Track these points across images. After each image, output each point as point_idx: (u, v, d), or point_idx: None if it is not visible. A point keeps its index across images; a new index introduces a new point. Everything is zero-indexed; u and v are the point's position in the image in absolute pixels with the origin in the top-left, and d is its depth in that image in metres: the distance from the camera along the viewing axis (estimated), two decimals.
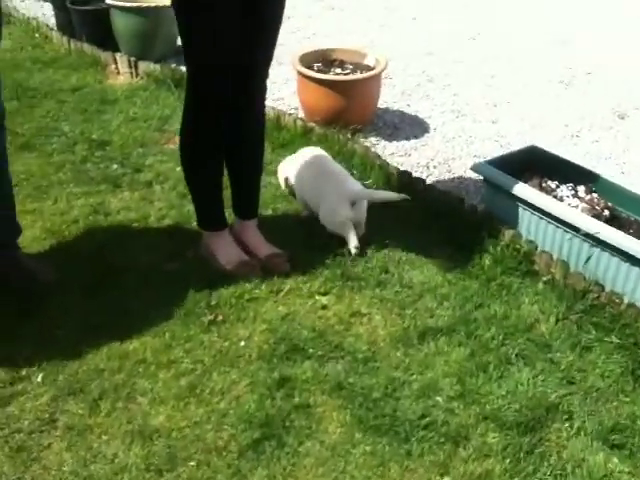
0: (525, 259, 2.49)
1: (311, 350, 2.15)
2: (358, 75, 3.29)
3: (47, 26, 4.62)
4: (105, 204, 2.85)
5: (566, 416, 1.95)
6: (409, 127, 3.56)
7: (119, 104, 3.71)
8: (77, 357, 2.09)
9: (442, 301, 2.36)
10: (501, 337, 2.21)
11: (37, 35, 4.59)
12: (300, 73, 3.25)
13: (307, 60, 3.41)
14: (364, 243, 2.59)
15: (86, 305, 2.29)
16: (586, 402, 2.00)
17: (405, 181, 2.90)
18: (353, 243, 2.54)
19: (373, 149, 3.29)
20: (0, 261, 2.33)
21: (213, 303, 2.31)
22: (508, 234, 2.53)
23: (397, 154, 3.30)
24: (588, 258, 2.35)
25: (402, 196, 2.57)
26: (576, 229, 2.34)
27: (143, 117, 3.58)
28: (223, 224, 2.51)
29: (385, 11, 5.26)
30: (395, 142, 3.40)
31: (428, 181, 3.08)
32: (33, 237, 2.61)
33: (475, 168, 2.65)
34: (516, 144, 3.40)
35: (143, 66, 4.00)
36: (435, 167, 3.22)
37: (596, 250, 2.31)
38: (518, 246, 2.51)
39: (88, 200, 2.86)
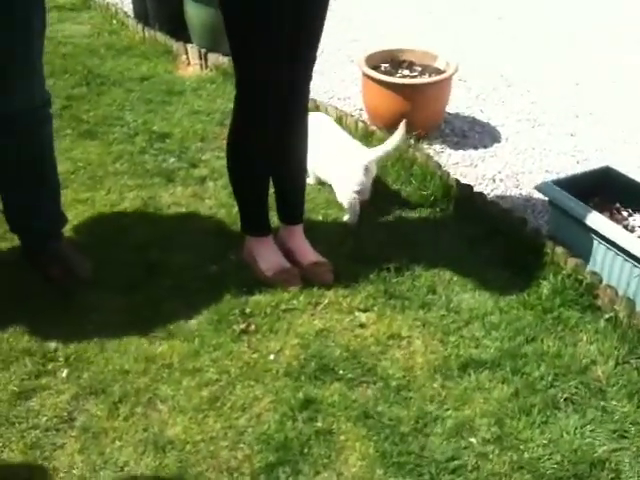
0: (587, 292, 2.29)
1: (342, 371, 2.03)
2: (424, 79, 3.13)
3: (125, 13, 4.65)
4: (156, 198, 2.81)
5: (612, 475, 1.76)
6: (479, 135, 3.37)
7: (185, 96, 3.68)
8: (104, 355, 2.06)
9: (490, 330, 2.20)
10: (551, 377, 2.03)
11: (114, 22, 4.63)
12: (364, 74, 3.12)
13: (375, 60, 3.28)
14: (413, 259, 2.46)
15: (121, 302, 2.25)
16: (638, 461, 1.80)
17: (465, 195, 2.73)
18: (351, 218, 2.65)
19: (437, 157, 3.13)
20: (42, 252, 2.32)
21: (247, 311, 2.23)
22: (571, 263, 2.33)
23: (462, 164, 3.12)
24: None
25: (401, 133, 2.60)
26: None
27: (206, 110, 3.53)
28: (267, 229, 2.42)
29: (469, 10, 5.03)
30: (461, 151, 3.23)
31: (491, 196, 2.90)
32: (80, 227, 2.61)
33: (540, 188, 2.46)
34: (594, 161, 3.16)
35: (212, 58, 3.97)
36: (502, 180, 3.03)
37: None
38: (581, 277, 2.31)
39: (140, 193, 2.83)
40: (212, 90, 3.77)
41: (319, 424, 1.87)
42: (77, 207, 2.73)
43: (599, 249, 2.28)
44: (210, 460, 1.77)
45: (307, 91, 2.30)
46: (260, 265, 2.39)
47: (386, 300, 2.30)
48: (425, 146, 3.20)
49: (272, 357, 2.08)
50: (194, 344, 2.10)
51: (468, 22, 4.80)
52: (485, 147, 3.27)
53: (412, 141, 3.11)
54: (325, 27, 2.22)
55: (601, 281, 2.27)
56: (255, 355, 2.08)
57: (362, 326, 2.21)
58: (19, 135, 2.12)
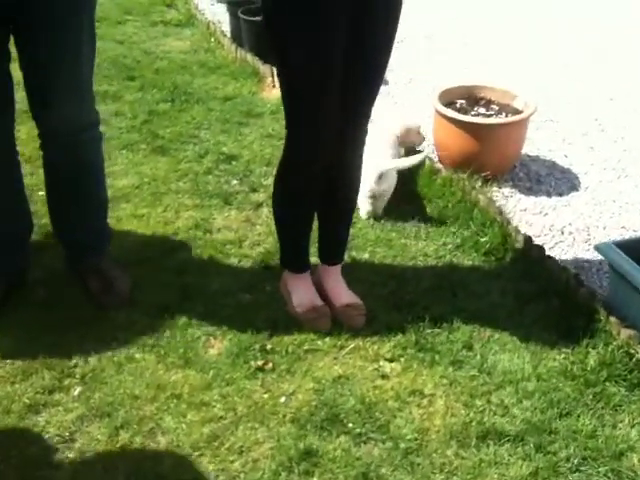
0: (638, 368, 2.07)
1: (351, 424, 1.93)
2: (494, 119, 2.97)
3: (222, 32, 4.76)
4: (209, 220, 2.83)
5: None
6: (555, 181, 3.16)
7: (262, 118, 3.70)
8: (119, 377, 2.07)
9: (522, 398, 2.02)
10: (578, 460, 1.84)
11: (212, 40, 4.75)
12: (436, 110, 3.00)
13: (451, 95, 3.15)
14: (454, 310, 2.32)
15: (148, 323, 2.26)
16: None
17: (523, 246, 2.56)
18: (366, 209, 2.75)
19: (503, 202, 2.96)
20: (82, 266, 2.39)
21: (269, 347, 2.17)
22: (624, 334, 2.12)
23: (531, 211, 2.93)
24: None
25: (423, 154, 2.88)
26: None
27: (279, 135, 3.52)
28: (305, 266, 2.37)
29: (568, 48, 4.78)
30: (533, 197, 3.03)
31: (555, 249, 2.70)
32: (130, 243, 2.66)
33: (599, 248, 2.25)
34: None
35: None
36: (571, 233, 2.81)
37: None
38: (633, 351, 2.09)
39: (195, 213, 2.86)
40: None
41: (315, 479, 1.78)
42: (133, 222, 2.79)
43: None
44: None
45: (362, 139, 2.21)
46: (293, 300, 2.34)
47: (415, 352, 2.18)
48: (494, 189, 3.03)
49: (283, 400, 2.01)
50: (208, 376, 2.07)
51: (568, 58, 4.55)
52: (560, 195, 3.06)
53: (479, 183, 2.97)
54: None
55: None
56: (266, 395, 2.02)
57: (384, 377, 2.11)
58: (63, 152, 2.19)
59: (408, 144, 3.14)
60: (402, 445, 1.88)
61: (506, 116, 3.02)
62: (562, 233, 2.81)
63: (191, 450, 1.85)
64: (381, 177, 2.68)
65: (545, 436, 1.90)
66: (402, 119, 3.07)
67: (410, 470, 1.82)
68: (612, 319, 2.16)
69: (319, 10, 1.89)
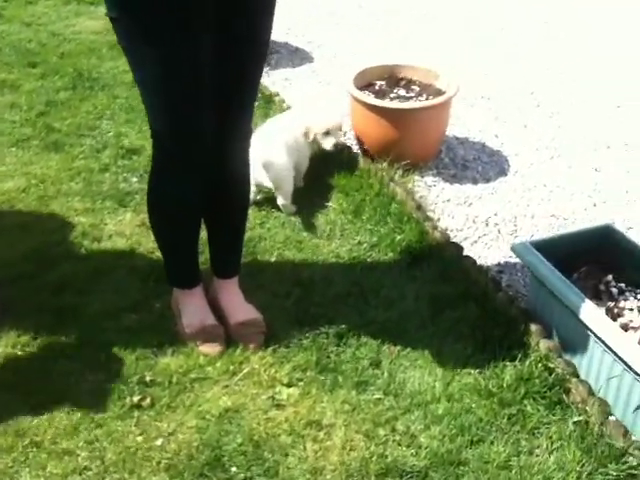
0: (558, 385, 1.86)
1: (235, 468, 1.69)
2: (411, 103, 2.71)
3: None
4: (99, 226, 2.54)
5: None
6: (482, 166, 2.93)
7: None
8: None
9: (430, 424, 1.81)
10: None
11: None
12: (351, 94, 2.74)
13: (370, 76, 2.89)
14: (363, 322, 2.10)
15: (14, 356, 1.98)
16: None
17: (440, 244, 2.33)
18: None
19: (426, 192, 2.73)
20: None
21: (148, 379, 1.91)
22: (544, 345, 1.91)
23: (454, 201, 2.70)
24: (638, 407, 1.69)
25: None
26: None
27: None
28: (193, 281, 2.10)
29: (505, 20, 4.53)
30: (458, 185, 2.80)
31: (479, 243, 2.48)
32: (9, 258, 2.36)
33: (515, 249, 2.03)
34: (614, 204, 2.70)
35: None
36: (496, 225, 2.59)
37: None
38: (553, 365, 1.88)
39: (85, 219, 2.57)
40: None
41: None
42: (15, 232, 2.50)
43: (577, 333, 1.84)
44: None
45: (244, 141, 1.95)
46: (183, 320, 2.08)
47: (316, 373, 1.95)
48: (416, 178, 2.80)
49: (159, 442, 1.76)
50: (75, 417, 1.81)
51: (504, 33, 4.32)
52: (487, 181, 2.84)
53: (400, 172, 2.73)
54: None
55: (576, 374, 1.83)
56: (140, 438, 1.77)
57: (279, 406, 1.87)
58: None
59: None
60: None
61: (427, 98, 2.77)
62: (487, 225, 2.59)
63: None
64: (265, 167, 2.49)
65: (453, 470, 1.69)
66: (320, 118, 2.73)
67: None
68: (532, 328, 1.95)
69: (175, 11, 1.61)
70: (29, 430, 1.78)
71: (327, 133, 2.64)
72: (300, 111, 2.84)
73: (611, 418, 1.75)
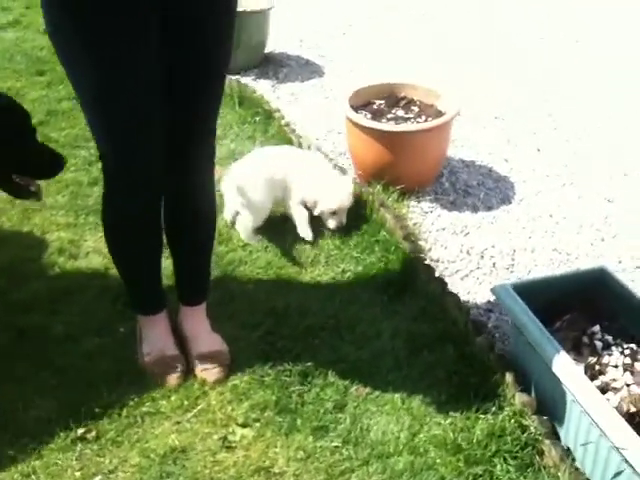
0: (532, 445, 1.70)
1: None
2: (407, 126, 2.57)
3: None
4: (79, 242, 2.47)
5: None
6: (485, 193, 2.77)
7: None
8: None
9: None
10: None
11: None
12: (345, 115, 2.61)
13: (369, 94, 2.77)
14: (331, 359, 1.97)
15: None
16: None
17: (423, 278, 2.19)
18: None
19: (421, 219, 2.58)
20: None
21: (97, 410, 1.82)
22: (519, 399, 1.75)
23: (450, 230, 2.55)
24: (617, 474, 1.52)
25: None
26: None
27: None
28: (155, 307, 2.00)
29: (523, 37, 4.35)
30: (456, 213, 2.65)
31: (470, 278, 2.33)
32: None
33: (495, 291, 1.87)
34: (629, 239, 2.51)
35: None
36: (492, 258, 2.43)
37: (629, 468, 1.48)
38: (527, 422, 1.72)
39: (64, 234, 2.50)
40: None
41: None
42: None
43: (554, 388, 1.68)
44: None
45: (205, 159, 1.84)
46: (143, 348, 1.99)
47: (275, 414, 1.83)
48: (412, 204, 2.65)
49: (97, 479, 1.67)
50: (15, 448, 1.73)
51: (525, 51, 4.14)
52: (488, 210, 2.68)
53: (394, 197, 2.59)
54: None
55: (550, 434, 1.67)
56: (78, 473, 1.68)
57: (229, 448, 1.75)
58: None
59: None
60: None
61: (426, 119, 2.63)
62: (482, 257, 2.43)
63: None
64: (238, 189, 2.39)
65: None
66: (330, 194, 2.45)
67: None
68: (507, 379, 1.80)
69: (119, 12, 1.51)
70: None
71: (334, 213, 2.44)
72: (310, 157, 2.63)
73: None
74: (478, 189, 2.78)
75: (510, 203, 2.72)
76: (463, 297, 2.22)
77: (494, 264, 2.40)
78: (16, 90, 3.54)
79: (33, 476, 1.67)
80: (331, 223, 2.46)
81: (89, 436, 1.77)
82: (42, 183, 2.09)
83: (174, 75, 1.65)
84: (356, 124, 2.56)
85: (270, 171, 2.44)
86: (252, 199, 2.38)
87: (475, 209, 2.67)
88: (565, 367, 1.60)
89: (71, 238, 2.49)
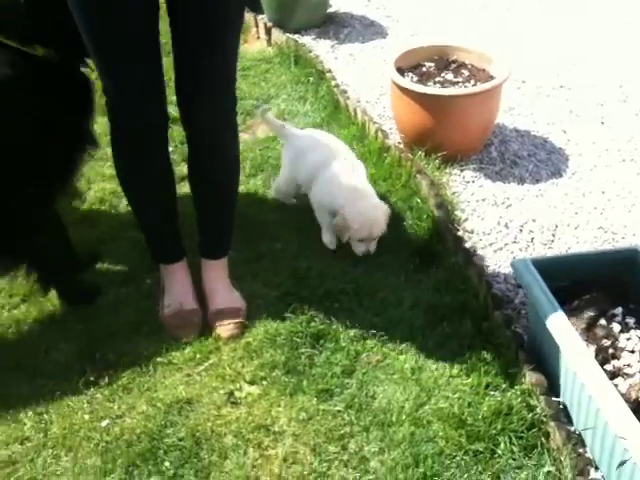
0: (537, 426, 1.63)
1: (168, 463, 1.62)
2: (451, 90, 2.46)
3: None
4: (120, 194, 2.49)
5: None
6: (536, 165, 2.64)
7: None
8: None
9: (386, 448, 1.64)
10: None
11: None
12: (390, 77, 2.54)
13: (419, 56, 2.67)
14: (348, 323, 1.95)
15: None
16: None
17: (450, 249, 2.12)
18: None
19: (461, 188, 2.49)
20: None
21: (111, 357, 1.89)
22: (530, 378, 1.68)
23: (490, 201, 2.45)
24: (622, 463, 1.44)
25: None
26: None
27: (242, 95, 3.16)
28: (175, 255, 2.05)
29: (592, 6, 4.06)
30: (500, 183, 2.54)
31: (503, 251, 2.23)
32: None
33: (514, 265, 1.78)
34: None
35: (275, 35, 3.57)
36: (531, 232, 2.32)
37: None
38: (535, 402, 1.65)
39: (109, 185, 2.57)
40: (262, 71, 3.40)
41: None
42: None
43: (566, 370, 1.60)
44: None
45: (221, 100, 1.83)
46: (164, 299, 2.03)
47: (282, 374, 1.84)
48: (454, 172, 2.56)
49: (105, 423, 1.73)
50: (33, 387, 1.81)
51: (600, 19, 3.87)
52: (536, 182, 2.55)
53: (436, 163, 2.51)
54: None
55: (557, 416, 1.59)
56: (88, 416, 1.74)
57: (234, 404, 1.78)
58: None
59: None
60: None
61: (475, 84, 2.52)
62: (520, 231, 2.33)
63: None
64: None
65: None
66: (362, 221, 2.15)
67: None
68: (521, 357, 1.73)
69: None
70: None
71: (361, 240, 2.18)
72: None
73: (593, 474, 1.51)
74: (528, 160, 2.66)
75: (560, 176, 2.59)
76: (493, 271, 2.14)
77: (532, 239, 2.29)
78: None
79: (45, 415, 1.75)
80: (357, 248, 2.19)
81: (102, 382, 1.83)
82: None
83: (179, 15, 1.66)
84: (399, 86, 2.49)
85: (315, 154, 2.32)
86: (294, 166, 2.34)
87: (521, 181, 2.55)
88: (574, 348, 1.51)
89: (114, 189, 2.56)
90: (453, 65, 2.64)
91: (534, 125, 2.89)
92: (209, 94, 1.76)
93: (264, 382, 1.83)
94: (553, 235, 2.31)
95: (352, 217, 2.12)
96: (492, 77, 2.55)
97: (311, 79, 3.20)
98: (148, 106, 1.76)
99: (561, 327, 1.56)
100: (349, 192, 2.19)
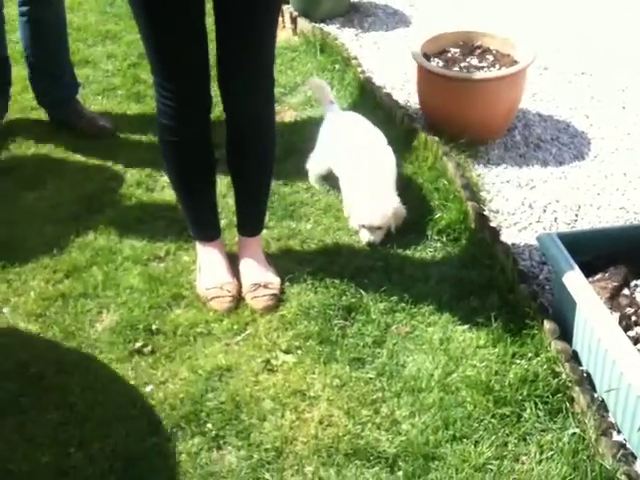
0: (562, 391, 1.71)
1: (210, 425, 1.72)
2: (477, 73, 2.53)
3: None
4: (156, 177, 2.62)
5: None
6: (559, 148, 2.70)
7: None
8: None
9: (417, 412, 1.72)
10: None
11: None
12: (415, 60, 2.61)
13: (444, 42, 2.74)
14: (379, 297, 2.03)
15: (44, 288, 2.13)
16: None
17: (477, 227, 2.19)
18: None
19: (486, 170, 2.56)
20: (63, 110, 2.86)
21: (154, 328, 1.98)
22: (555, 346, 1.75)
23: (514, 183, 2.51)
24: None
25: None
26: None
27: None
28: (213, 234, 2.14)
29: None
30: (524, 166, 2.60)
31: (528, 230, 2.30)
32: (63, 200, 2.52)
33: (540, 239, 1.85)
34: None
35: (300, 24, 3.64)
36: (554, 212, 2.39)
37: None
38: (560, 369, 1.73)
39: (145, 169, 2.66)
40: (288, 59, 3.47)
41: None
42: (78, 177, 2.65)
43: (590, 337, 1.67)
44: None
45: (261, 84, 1.92)
46: (201, 274, 2.13)
47: (316, 344, 1.92)
48: (479, 154, 2.62)
49: (149, 389, 1.82)
50: (79, 356, 1.91)
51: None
52: (559, 165, 2.61)
53: (460, 147, 2.58)
54: None
55: (580, 381, 1.67)
56: (133, 382, 1.84)
57: (271, 371, 1.87)
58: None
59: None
60: (256, 456, 1.65)
61: (499, 69, 2.58)
62: (544, 211, 2.39)
63: (31, 438, 1.70)
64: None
65: (424, 462, 1.61)
66: (368, 208, 2.23)
67: None
68: (546, 326, 1.80)
69: None
70: (35, 361, 1.91)
71: (363, 226, 2.24)
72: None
73: (616, 437, 1.58)
74: (551, 144, 2.72)
75: (583, 159, 2.65)
76: (518, 249, 2.21)
77: (555, 218, 2.36)
78: (114, 33, 3.75)
79: (90, 382, 1.84)
80: (362, 236, 2.24)
81: (145, 350, 1.93)
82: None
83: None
84: (424, 70, 2.56)
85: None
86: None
87: (545, 164, 2.62)
88: (598, 314, 1.59)
89: (150, 173, 2.65)
90: (478, 50, 2.71)
91: (557, 110, 2.95)
92: (250, 74, 1.85)
93: (299, 351, 1.92)
94: (576, 215, 2.38)
95: (359, 201, 2.23)
96: (516, 62, 2.61)
97: (337, 66, 3.28)
98: (196, 88, 1.86)
99: (586, 296, 1.63)
100: (368, 179, 2.27)
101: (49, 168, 2.70)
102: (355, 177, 2.31)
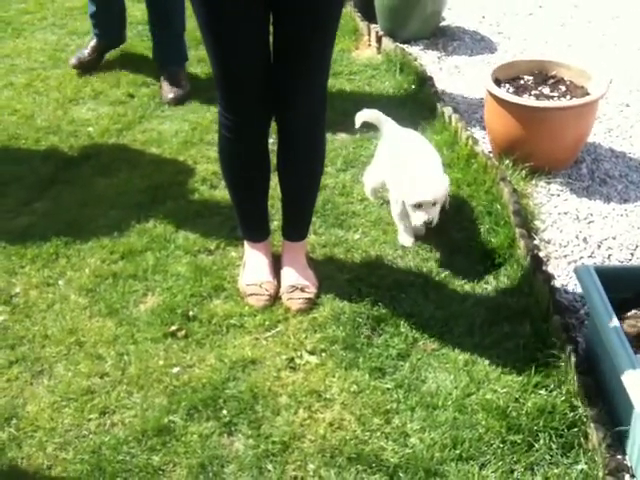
0: (578, 426, 1.66)
1: (225, 412, 1.78)
2: (544, 102, 2.49)
3: None
4: (221, 175, 2.74)
5: None
6: (627, 185, 2.60)
7: (338, 80, 3.49)
8: (44, 314, 2.10)
9: (427, 428, 1.72)
10: None
11: None
12: (484, 86, 2.61)
13: (517, 69, 2.72)
14: (411, 313, 2.04)
15: (98, 267, 2.26)
16: None
17: (522, 255, 2.16)
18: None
19: (545, 199, 2.51)
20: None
21: (191, 314, 2.07)
22: (578, 381, 1.70)
23: (572, 215, 2.45)
24: None
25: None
26: None
27: (344, 96, 3.31)
28: (260, 236, 2.22)
29: None
30: (586, 199, 2.53)
31: (572, 266, 2.24)
32: (130, 189, 2.67)
33: (577, 271, 1.80)
34: None
35: (385, 43, 3.70)
36: (609, 249, 2.31)
37: None
38: (578, 403, 1.67)
39: (212, 167, 2.76)
40: (367, 77, 3.52)
41: (156, 458, 1.68)
42: (149, 169, 2.79)
43: (612, 374, 1.61)
44: None
45: (313, 99, 1.98)
46: (244, 271, 2.21)
47: (341, 349, 1.95)
48: (541, 183, 2.58)
49: (176, 370, 1.91)
50: (119, 331, 2.03)
51: None
52: (623, 202, 2.53)
53: (522, 174, 2.55)
54: None
55: (600, 418, 1.61)
56: (162, 362, 1.94)
57: (293, 369, 1.92)
58: None
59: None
60: (262, 446, 1.70)
61: (569, 98, 2.54)
62: (599, 247, 2.32)
63: (60, 399, 1.83)
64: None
65: (425, 477, 1.61)
66: (419, 186, 2.22)
67: (256, 475, 1.64)
68: (572, 359, 1.75)
69: None
70: (80, 331, 2.04)
71: (419, 206, 2.19)
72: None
73: None
74: (619, 180, 2.64)
75: None
76: (563, 281, 2.16)
77: (609, 255, 2.29)
78: None
79: (126, 357, 1.96)
80: (416, 218, 2.20)
81: (179, 334, 2.02)
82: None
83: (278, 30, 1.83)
84: (492, 95, 2.55)
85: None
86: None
87: (608, 199, 2.54)
88: (622, 358, 1.53)
89: (216, 170, 2.76)
90: (551, 80, 2.67)
91: (631, 148, 2.86)
92: (303, 95, 1.92)
93: (323, 354, 1.95)
94: (632, 254, 2.30)
95: (411, 181, 2.21)
96: (588, 94, 2.56)
97: (413, 86, 3.31)
98: (255, 118, 1.95)
99: (613, 336, 1.58)
100: (417, 162, 2.31)
101: (125, 158, 2.87)
102: (404, 163, 2.31)
